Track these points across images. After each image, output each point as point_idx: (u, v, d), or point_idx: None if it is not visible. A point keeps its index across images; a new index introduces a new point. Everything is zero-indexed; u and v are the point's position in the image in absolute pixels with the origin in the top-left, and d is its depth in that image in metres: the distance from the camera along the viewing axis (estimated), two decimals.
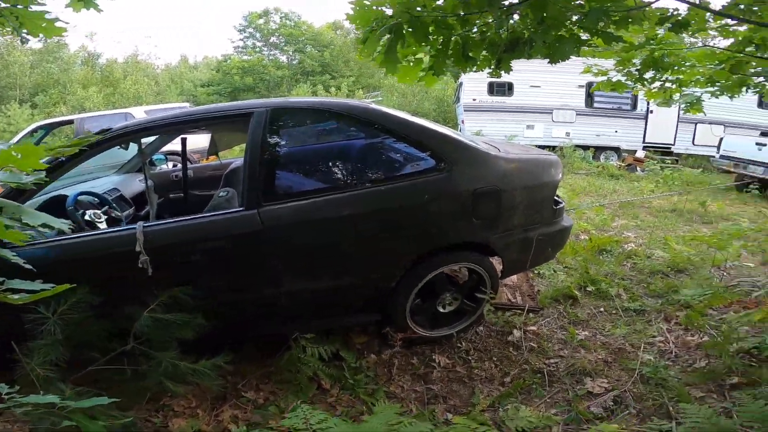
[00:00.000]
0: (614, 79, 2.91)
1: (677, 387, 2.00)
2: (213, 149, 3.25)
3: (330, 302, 2.21)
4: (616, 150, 10.68)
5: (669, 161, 9.33)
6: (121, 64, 22.24)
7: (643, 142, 10.63)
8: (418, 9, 1.53)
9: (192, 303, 1.79)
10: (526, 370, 2.22)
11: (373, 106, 2.37)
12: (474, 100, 10.92)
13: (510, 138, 9.76)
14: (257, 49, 29.92)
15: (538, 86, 10.50)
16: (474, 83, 10.74)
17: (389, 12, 1.40)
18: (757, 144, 6.79)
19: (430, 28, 1.61)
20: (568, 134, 10.66)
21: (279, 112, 2.09)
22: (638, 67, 2.69)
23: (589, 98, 10.52)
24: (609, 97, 10.35)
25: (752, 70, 2.59)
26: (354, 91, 22.03)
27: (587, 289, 2.97)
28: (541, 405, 2.00)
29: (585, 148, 10.48)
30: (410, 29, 1.46)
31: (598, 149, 10.67)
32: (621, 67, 2.78)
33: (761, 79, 2.69)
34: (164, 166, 4.67)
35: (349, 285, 2.14)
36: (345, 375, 2.11)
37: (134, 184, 2.98)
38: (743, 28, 2.27)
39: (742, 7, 1.84)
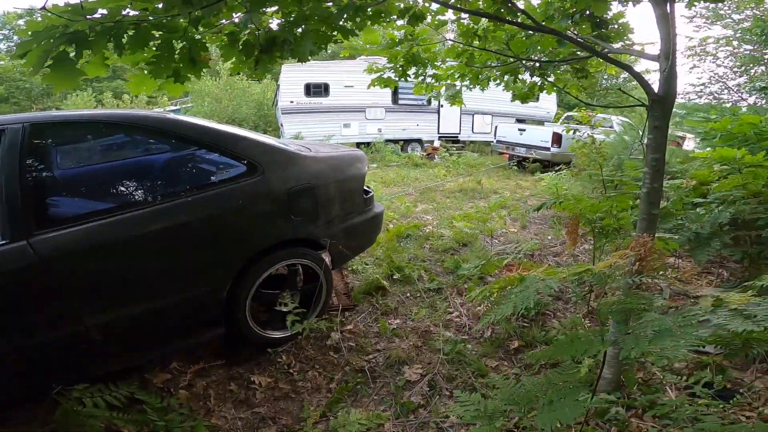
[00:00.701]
0: (385, 76, 3.02)
1: (475, 361, 2.27)
2: None
3: (161, 326, 2.01)
4: (419, 141, 12.19)
5: (456, 148, 11.16)
6: None
7: (438, 133, 12.42)
8: (134, 13, 1.29)
9: None
10: (348, 372, 2.22)
11: (165, 114, 2.24)
12: (292, 102, 10.84)
13: (328, 138, 10.05)
14: (12, 53, 24.48)
15: (352, 86, 11.05)
16: (291, 85, 10.67)
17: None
18: (519, 130, 8.80)
19: (156, 33, 1.37)
20: (380, 130, 11.62)
21: (41, 128, 1.79)
22: (402, 64, 2.87)
23: (395, 95, 11.64)
24: (410, 95, 11.60)
25: (490, 63, 2.88)
26: (156, 98, 19.22)
27: (394, 277, 3.19)
28: (370, 404, 2.03)
29: (395, 141, 11.64)
30: (126, 35, 1.21)
31: (406, 142, 11.98)
32: (391, 64, 2.91)
33: (498, 72, 3.09)
34: None
35: (175, 304, 1.98)
36: (151, 418, 1.76)
37: None
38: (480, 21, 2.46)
39: None
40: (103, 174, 2.17)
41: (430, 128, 12.30)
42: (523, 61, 2.57)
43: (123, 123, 2.05)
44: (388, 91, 11.48)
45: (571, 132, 5.23)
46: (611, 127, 7.52)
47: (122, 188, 2.06)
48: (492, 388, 2.10)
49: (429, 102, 12.14)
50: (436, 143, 11.83)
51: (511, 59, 2.58)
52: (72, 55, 1.17)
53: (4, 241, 1.62)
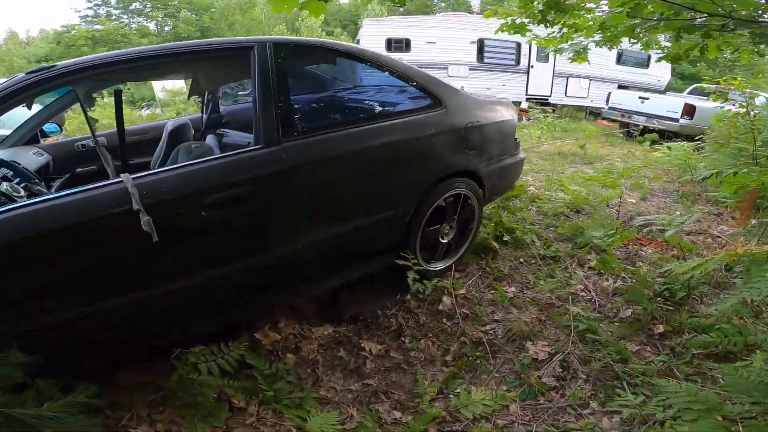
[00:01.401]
0: (518, 22, 2.82)
1: (613, 342, 1.98)
2: (197, 89, 2.98)
3: (356, 248, 2.11)
4: None
5: (549, 111, 10.25)
6: None
7: (526, 94, 11.42)
8: None
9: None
10: (465, 344, 2.02)
11: (370, 49, 2.38)
12: None
13: None
14: (113, 18, 26.78)
15: (434, 42, 10.51)
16: (372, 40, 10.43)
17: None
18: (640, 98, 7.96)
19: None
20: (462, 88, 10.89)
21: (281, 47, 1.87)
22: (541, 9, 2.65)
23: (480, 53, 10.87)
24: (496, 53, 10.88)
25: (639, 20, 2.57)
26: None
27: (504, 239, 2.88)
28: (491, 381, 1.83)
29: None
30: None
31: None
32: (524, 9, 2.72)
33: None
34: (59, 138, 3.74)
35: (374, 224, 2.08)
36: (261, 386, 1.68)
37: (29, 159, 2.40)
38: None
39: None
40: (324, 91, 2.41)
41: (517, 89, 11.34)
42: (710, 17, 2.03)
43: (338, 50, 2.20)
44: (472, 49, 10.83)
45: (717, 102, 4.58)
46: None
47: (340, 107, 2.35)
48: (638, 377, 1.80)
49: (518, 61, 11.22)
50: (524, 104, 10.90)
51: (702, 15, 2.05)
52: None
53: (258, 146, 1.69)
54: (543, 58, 11.28)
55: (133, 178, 1.43)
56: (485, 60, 11.06)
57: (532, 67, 11.26)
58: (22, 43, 28.87)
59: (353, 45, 2.29)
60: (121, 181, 1.42)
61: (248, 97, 3.72)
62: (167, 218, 1.46)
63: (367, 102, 2.33)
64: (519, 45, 11.04)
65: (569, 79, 11.47)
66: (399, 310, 2.21)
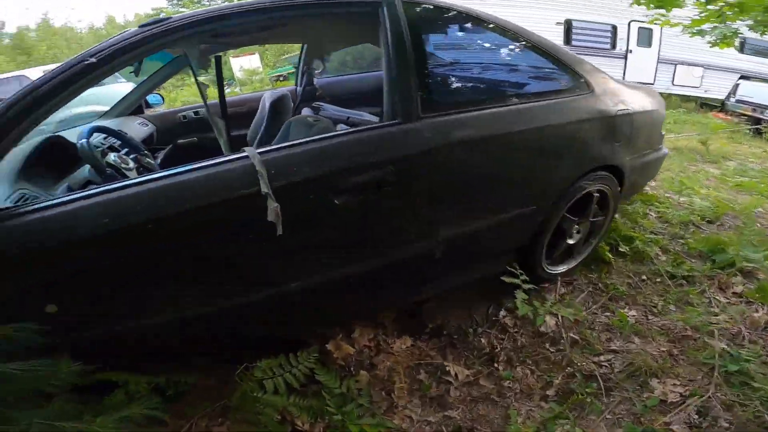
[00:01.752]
0: None
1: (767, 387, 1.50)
2: (316, 52, 2.70)
3: (483, 247, 1.85)
4: None
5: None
6: (35, 30, 20.05)
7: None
8: None
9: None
10: (573, 376, 1.63)
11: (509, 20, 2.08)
12: None
13: None
14: (195, 1, 28.48)
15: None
16: None
17: None
18: None
19: None
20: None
21: (415, 7, 1.62)
22: None
23: (567, 35, 9.85)
24: (587, 36, 9.78)
25: None
26: None
27: (619, 249, 2.36)
28: (601, 424, 1.44)
29: None
30: None
31: None
32: None
33: None
34: (161, 108, 3.77)
35: (510, 221, 1.80)
36: (329, 407, 1.44)
37: (135, 129, 2.34)
38: None
39: None
40: (463, 62, 2.12)
41: (612, 74, 10.17)
42: None
43: (489, 22, 1.86)
44: (558, 30, 9.74)
45: None
46: None
47: (485, 83, 2.03)
48: None
49: (613, 45, 10.01)
50: None
51: None
52: None
53: (395, 121, 1.43)
54: (645, 42, 10.01)
55: (262, 152, 1.20)
56: (573, 43, 9.96)
57: (631, 51, 9.97)
58: (120, 27, 31.71)
59: (497, 16, 1.97)
60: (246, 157, 1.19)
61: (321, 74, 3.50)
62: (294, 205, 1.23)
63: (511, 79, 2.05)
64: (615, 28, 9.86)
65: (678, 66, 10.05)
66: (492, 327, 1.85)
